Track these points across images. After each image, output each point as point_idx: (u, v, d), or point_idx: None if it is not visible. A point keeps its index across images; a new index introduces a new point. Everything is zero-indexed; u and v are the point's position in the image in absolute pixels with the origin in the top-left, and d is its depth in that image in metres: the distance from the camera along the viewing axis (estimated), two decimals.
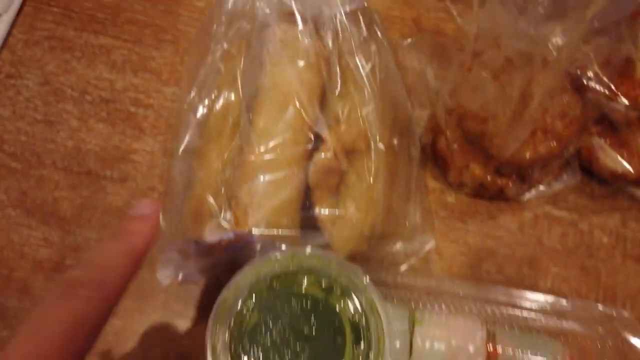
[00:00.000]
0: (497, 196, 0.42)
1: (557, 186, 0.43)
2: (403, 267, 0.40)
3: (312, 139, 0.35)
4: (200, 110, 0.38)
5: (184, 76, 0.45)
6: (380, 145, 0.36)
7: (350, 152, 0.36)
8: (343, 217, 0.36)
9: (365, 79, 0.37)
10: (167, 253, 0.36)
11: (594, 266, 0.42)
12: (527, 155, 0.36)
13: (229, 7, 0.40)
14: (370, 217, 0.36)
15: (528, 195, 0.43)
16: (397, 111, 0.40)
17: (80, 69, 0.47)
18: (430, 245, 0.41)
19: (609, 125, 0.39)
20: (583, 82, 0.37)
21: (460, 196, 0.44)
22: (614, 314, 0.36)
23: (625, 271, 0.42)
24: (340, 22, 0.38)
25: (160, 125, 0.45)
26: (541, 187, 0.42)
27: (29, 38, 0.48)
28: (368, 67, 0.38)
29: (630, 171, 0.40)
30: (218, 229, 0.35)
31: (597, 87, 0.37)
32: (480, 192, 0.42)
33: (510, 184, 0.40)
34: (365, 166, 0.36)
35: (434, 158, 0.43)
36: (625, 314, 0.36)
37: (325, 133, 0.35)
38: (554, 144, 0.36)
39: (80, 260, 0.27)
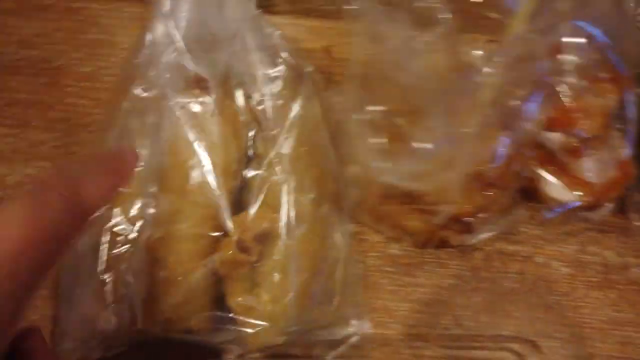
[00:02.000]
0: (443, 245, 0.39)
1: (506, 222, 0.39)
2: (329, 357, 0.35)
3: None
4: None
5: None
6: (298, 229, 0.31)
7: (263, 237, 0.32)
8: (256, 308, 0.31)
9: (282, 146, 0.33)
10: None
11: (557, 302, 0.39)
12: (465, 209, 0.33)
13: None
14: (286, 308, 0.32)
15: (477, 238, 0.39)
16: (325, 175, 0.35)
17: None
18: (365, 328, 0.35)
19: (548, 154, 0.36)
20: (513, 115, 0.33)
21: (405, 246, 0.40)
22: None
23: (590, 302, 0.39)
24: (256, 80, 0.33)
25: None
26: (489, 226, 0.39)
27: None
28: (290, 138, 0.33)
29: (576, 198, 0.36)
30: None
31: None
32: (424, 242, 0.38)
33: (454, 234, 0.37)
34: (279, 252, 0.32)
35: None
36: None
37: (229, 223, 0.31)
38: (491, 191, 0.33)
39: (57, 167, 0.23)
